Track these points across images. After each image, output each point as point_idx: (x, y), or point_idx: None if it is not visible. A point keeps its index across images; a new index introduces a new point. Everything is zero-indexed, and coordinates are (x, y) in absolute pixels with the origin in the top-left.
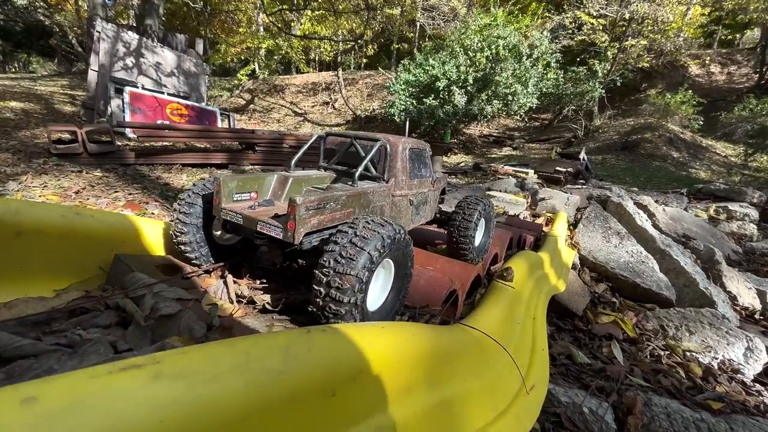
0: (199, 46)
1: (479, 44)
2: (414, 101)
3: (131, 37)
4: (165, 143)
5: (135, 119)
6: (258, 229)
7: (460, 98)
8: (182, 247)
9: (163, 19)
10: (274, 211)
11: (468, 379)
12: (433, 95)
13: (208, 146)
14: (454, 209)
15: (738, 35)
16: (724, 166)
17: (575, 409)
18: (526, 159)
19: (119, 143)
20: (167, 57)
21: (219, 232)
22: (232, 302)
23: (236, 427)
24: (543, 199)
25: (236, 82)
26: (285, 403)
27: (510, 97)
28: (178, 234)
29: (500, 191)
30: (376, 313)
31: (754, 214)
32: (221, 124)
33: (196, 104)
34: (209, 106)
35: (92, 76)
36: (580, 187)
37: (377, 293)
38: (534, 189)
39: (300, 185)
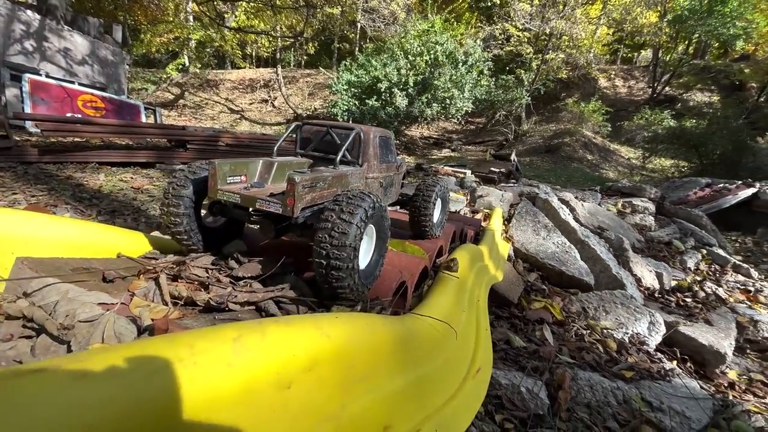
0: (117, 33)
1: (419, 49)
2: (356, 102)
3: (31, 16)
4: (77, 139)
5: (38, 111)
6: (257, 207)
7: (401, 100)
8: (174, 228)
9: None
10: (266, 192)
11: (422, 366)
12: (375, 96)
13: (130, 143)
14: (415, 190)
15: (636, 54)
16: (627, 168)
17: (514, 390)
18: (463, 160)
19: (17, 138)
20: (78, 42)
21: (205, 214)
22: (166, 304)
23: (182, 427)
24: (481, 196)
25: (165, 75)
26: (236, 398)
27: (448, 101)
28: (172, 218)
29: None
30: (365, 270)
31: (652, 207)
32: (146, 119)
33: (115, 97)
34: (131, 100)
35: None
36: (512, 185)
37: (364, 254)
38: (472, 187)
39: (283, 169)
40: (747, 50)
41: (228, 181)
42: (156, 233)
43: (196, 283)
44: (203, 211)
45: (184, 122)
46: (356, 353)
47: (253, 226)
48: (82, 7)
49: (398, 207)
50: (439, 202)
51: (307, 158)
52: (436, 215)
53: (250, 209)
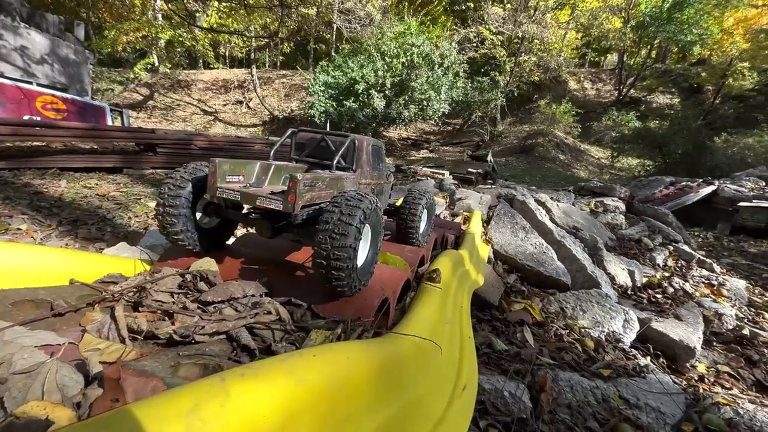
0: (80, 30)
1: (395, 50)
2: (334, 103)
3: None
4: (37, 143)
5: None
6: (258, 204)
7: (379, 102)
8: (171, 228)
9: None
10: (264, 191)
11: (407, 391)
12: (352, 98)
13: (95, 147)
14: (402, 202)
15: (602, 58)
16: (597, 167)
17: (497, 395)
18: (441, 161)
19: None
20: (36, 41)
21: (199, 215)
22: (123, 340)
23: None
24: (460, 199)
25: (132, 75)
26: None
27: (425, 103)
28: (169, 218)
29: None
30: (362, 268)
31: (622, 206)
32: (112, 122)
33: (78, 98)
34: (95, 101)
35: None
36: (490, 186)
37: (361, 253)
38: (451, 190)
39: (280, 172)
40: (703, 55)
41: (227, 180)
42: (123, 244)
43: (159, 312)
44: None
45: (154, 124)
46: (336, 393)
47: (248, 228)
48: (40, 3)
49: (385, 216)
50: (425, 213)
51: (302, 163)
52: (422, 225)
53: (246, 209)
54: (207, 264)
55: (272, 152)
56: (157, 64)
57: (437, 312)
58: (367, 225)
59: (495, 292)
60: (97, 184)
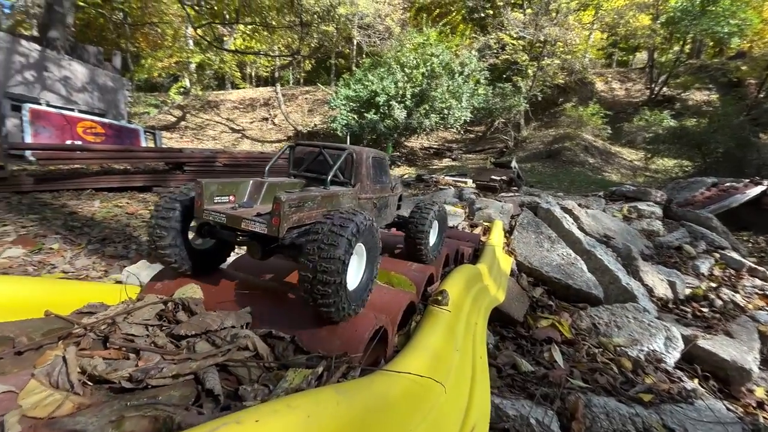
0: (117, 60)
1: (415, 61)
2: (355, 116)
3: (30, 48)
4: (75, 166)
5: (39, 140)
6: (243, 227)
7: (399, 113)
8: (161, 251)
9: (74, 30)
10: (253, 212)
11: None
12: (373, 110)
13: (128, 168)
14: (410, 213)
15: (631, 57)
16: (630, 169)
17: (523, 422)
18: (464, 169)
19: (14, 168)
20: (77, 71)
21: (192, 236)
22: (71, 387)
23: None
24: (479, 208)
25: (168, 99)
26: None
27: (446, 111)
28: (159, 241)
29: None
30: (354, 291)
31: (659, 212)
32: (146, 143)
33: (115, 122)
34: (131, 124)
35: None
36: (513, 194)
37: (353, 275)
38: (471, 199)
39: (274, 190)
40: (742, 47)
41: (215, 201)
42: (143, 261)
43: (124, 349)
44: (192, 234)
45: (186, 144)
46: None
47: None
48: (85, 37)
49: (394, 228)
50: (435, 225)
51: (300, 178)
52: (432, 239)
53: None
54: (190, 290)
55: (267, 169)
56: (188, 86)
57: (444, 339)
58: (360, 243)
59: (519, 307)
60: (127, 203)
